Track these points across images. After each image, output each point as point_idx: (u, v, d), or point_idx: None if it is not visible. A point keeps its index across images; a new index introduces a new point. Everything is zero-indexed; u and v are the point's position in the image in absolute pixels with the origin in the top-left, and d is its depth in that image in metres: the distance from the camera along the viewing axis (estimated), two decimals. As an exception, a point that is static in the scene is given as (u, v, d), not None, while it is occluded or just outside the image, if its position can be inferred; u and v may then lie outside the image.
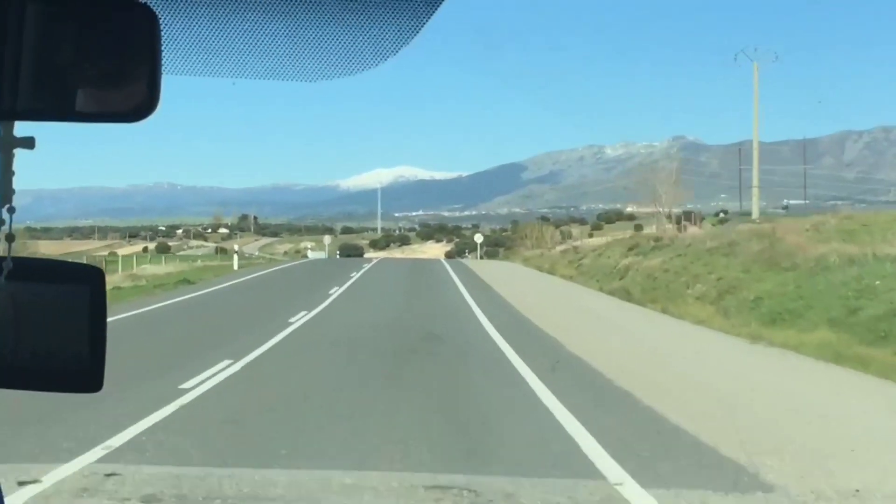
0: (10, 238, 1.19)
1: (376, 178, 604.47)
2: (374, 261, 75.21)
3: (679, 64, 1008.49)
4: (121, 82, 1.47)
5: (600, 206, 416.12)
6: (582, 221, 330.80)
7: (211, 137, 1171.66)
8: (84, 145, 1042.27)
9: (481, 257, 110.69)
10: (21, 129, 1.31)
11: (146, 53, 1.46)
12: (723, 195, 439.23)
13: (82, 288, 1.26)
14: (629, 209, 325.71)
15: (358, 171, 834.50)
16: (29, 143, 1.26)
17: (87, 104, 1.36)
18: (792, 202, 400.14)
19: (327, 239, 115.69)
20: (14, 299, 1.18)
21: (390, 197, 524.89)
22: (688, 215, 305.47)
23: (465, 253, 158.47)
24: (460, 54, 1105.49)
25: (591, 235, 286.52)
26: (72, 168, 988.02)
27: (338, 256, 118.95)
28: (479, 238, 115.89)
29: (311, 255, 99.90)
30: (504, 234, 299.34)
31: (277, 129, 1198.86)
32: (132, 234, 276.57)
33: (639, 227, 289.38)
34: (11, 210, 1.23)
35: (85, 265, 1.31)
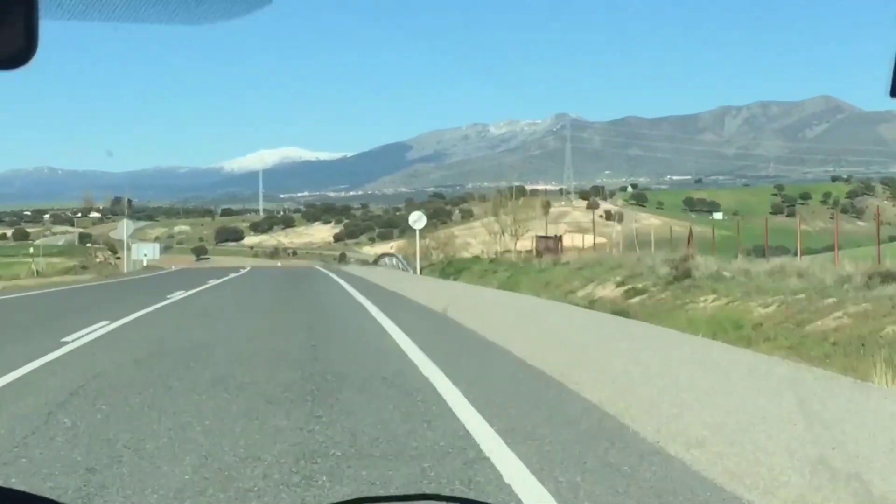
0: None
1: (260, 159, 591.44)
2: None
3: (562, 41, 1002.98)
4: None
5: (486, 184, 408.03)
6: (483, 199, 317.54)
7: (93, 119, 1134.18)
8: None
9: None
10: None
11: None
12: (607, 171, 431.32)
13: None
14: (532, 186, 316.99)
15: (242, 152, 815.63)
16: None
17: None
18: (674, 178, 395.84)
19: (127, 227, 78.08)
20: None
21: (274, 178, 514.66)
22: (597, 191, 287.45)
23: (384, 257, 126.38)
24: (342, 32, 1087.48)
25: (495, 214, 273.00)
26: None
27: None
28: (417, 221, 56.21)
29: (138, 251, 69.26)
30: (398, 213, 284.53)
31: (160, 111, 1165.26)
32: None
33: (546, 204, 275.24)
34: None
35: None
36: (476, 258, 56.09)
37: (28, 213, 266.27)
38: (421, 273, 52.36)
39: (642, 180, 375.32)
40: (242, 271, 58.26)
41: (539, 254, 53.65)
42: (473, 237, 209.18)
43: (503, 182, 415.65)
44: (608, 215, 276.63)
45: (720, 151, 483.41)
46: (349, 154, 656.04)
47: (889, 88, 1.49)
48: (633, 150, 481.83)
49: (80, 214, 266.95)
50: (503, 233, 71.99)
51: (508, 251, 64.76)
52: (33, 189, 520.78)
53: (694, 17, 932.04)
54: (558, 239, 57.51)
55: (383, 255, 78.85)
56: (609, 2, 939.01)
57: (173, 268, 79.24)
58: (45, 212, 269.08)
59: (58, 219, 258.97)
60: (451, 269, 50.68)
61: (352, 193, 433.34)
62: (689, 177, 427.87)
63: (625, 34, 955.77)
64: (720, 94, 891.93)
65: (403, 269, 57.93)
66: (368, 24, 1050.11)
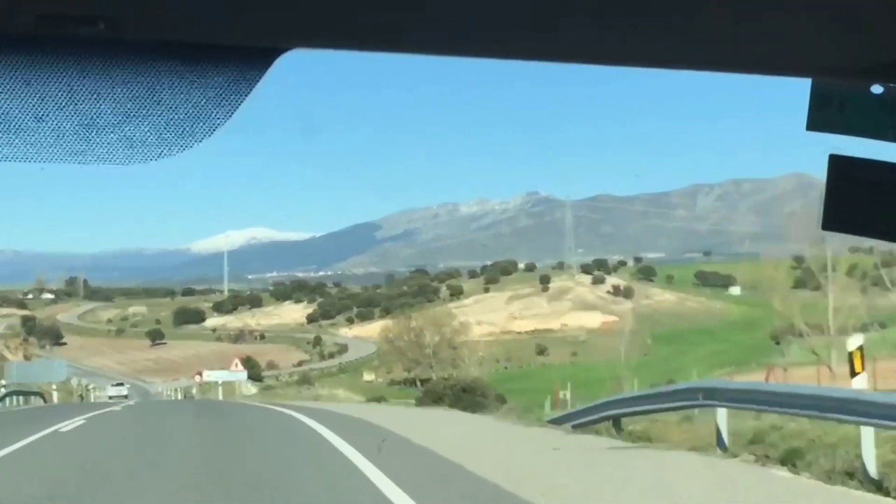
0: None
1: (228, 240, 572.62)
2: None
3: (531, 120, 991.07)
4: None
5: (457, 263, 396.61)
6: (473, 274, 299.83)
7: (58, 202, 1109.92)
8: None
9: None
10: None
11: None
12: (580, 249, 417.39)
13: None
14: (523, 261, 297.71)
15: (209, 233, 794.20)
16: None
17: None
18: (649, 255, 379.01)
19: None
20: None
21: (242, 259, 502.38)
22: (600, 265, 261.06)
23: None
24: (307, 113, 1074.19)
25: (486, 290, 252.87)
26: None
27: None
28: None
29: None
30: (378, 290, 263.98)
31: (126, 191, 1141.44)
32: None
33: (545, 279, 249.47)
34: None
35: None
36: None
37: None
38: None
39: (615, 258, 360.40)
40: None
41: None
42: (468, 315, 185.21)
43: (476, 261, 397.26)
44: (616, 290, 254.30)
45: (693, 228, 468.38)
46: (318, 234, 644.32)
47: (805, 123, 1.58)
48: (605, 228, 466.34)
49: (30, 296, 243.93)
50: None
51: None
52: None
53: (666, 97, 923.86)
54: None
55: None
56: (579, 78, 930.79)
57: None
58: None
59: (7, 300, 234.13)
60: None
61: (321, 274, 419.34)
62: (662, 254, 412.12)
63: (595, 112, 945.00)
64: (692, 172, 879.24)
65: None
66: (334, 104, 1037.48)
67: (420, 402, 53.18)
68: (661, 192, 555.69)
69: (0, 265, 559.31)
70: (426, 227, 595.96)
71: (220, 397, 65.93)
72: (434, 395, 49.39)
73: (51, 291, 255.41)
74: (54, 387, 69.80)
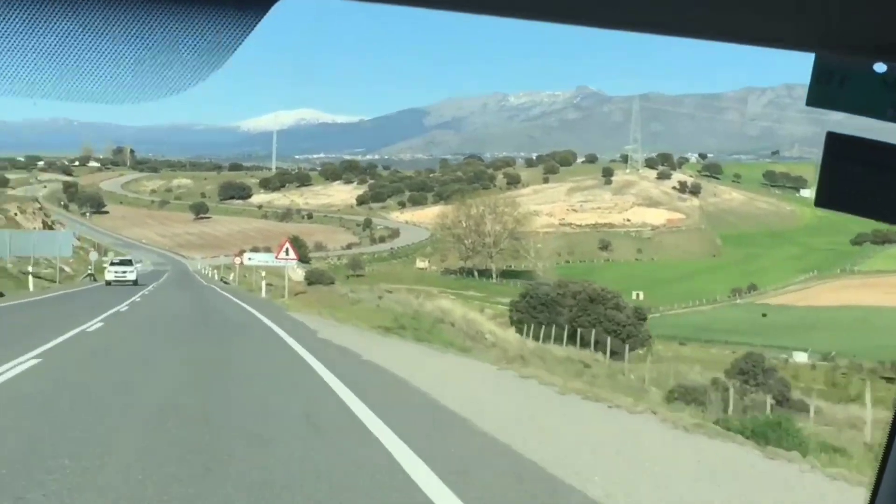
0: None
1: (277, 120, 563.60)
2: None
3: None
4: None
5: (504, 153, 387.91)
6: (530, 162, 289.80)
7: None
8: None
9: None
10: None
11: None
12: (628, 146, 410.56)
13: None
14: (583, 153, 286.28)
15: (259, 112, 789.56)
16: None
17: None
18: (696, 156, 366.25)
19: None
20: None
21: (291, 139, 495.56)
22: (665, 159, 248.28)
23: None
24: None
25: (545, 180, 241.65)
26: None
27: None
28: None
29: None
30: (431, 175, 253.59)
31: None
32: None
33: (608, 172, 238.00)
34: None
35: None
36: None
37: (21, 158, 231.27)
38: None
39: (674, 154, 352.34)
40: None
41: None
42: (526, 205, 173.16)
43: (523, 152, 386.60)
44: (682, 187, 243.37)
45: (743, 131, 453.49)
46: (367, 118, 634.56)
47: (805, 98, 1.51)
48: (655, 126, 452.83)
49: (77, 163, 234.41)
50: None
51: None
52: (51, 139, 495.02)
53: None
54: None
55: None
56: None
57: None
58: (39, 159, 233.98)
59: (52, 166, 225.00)
60: None
61: (368, 157, 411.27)
62: (711, 154, 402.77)
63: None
64: (745, 74, 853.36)
65: None
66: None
67: (515, 309, 42.33)
68: (712, 94, 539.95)
69: (51, 133, 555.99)
70: (474, 115, 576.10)
71: (263, 294, 54.06)
72: (536, 300, 38.36)
73: (97, 160, 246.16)
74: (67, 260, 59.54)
